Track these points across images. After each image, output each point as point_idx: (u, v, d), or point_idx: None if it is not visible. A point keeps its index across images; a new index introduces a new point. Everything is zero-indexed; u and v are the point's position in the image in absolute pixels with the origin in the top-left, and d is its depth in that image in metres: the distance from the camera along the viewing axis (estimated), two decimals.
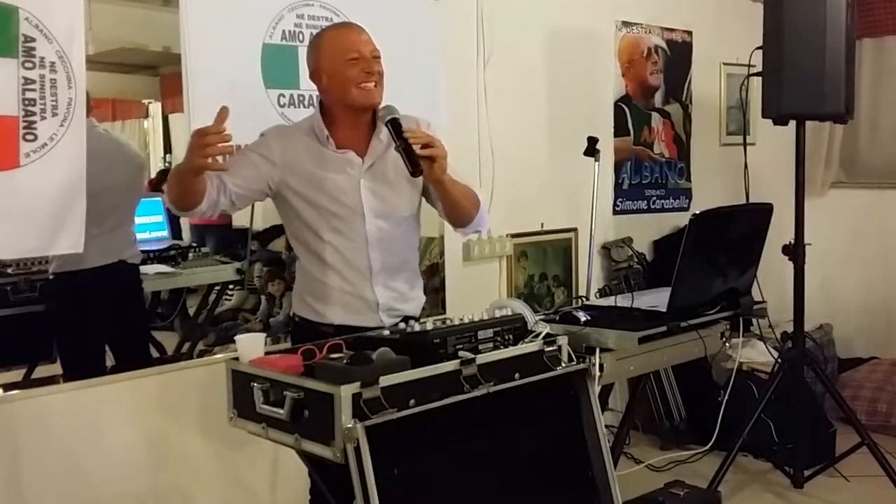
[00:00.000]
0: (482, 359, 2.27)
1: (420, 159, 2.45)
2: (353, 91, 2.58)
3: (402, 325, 2.50)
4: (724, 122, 5.62)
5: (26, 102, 2.72)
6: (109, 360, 3.46)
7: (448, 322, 2.41)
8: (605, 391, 3.39)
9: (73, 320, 3.36)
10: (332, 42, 2.64)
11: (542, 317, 2.84)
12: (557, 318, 3.08)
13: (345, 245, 2.66)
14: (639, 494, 3.38)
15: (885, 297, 5.62)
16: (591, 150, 4.13)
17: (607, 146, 4.81)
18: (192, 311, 4.02)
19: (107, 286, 3.37)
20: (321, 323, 2.69)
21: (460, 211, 2.72)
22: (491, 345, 2.38)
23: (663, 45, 5.19)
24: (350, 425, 1.98)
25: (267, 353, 2.34)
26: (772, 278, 3.99)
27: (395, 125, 2.51)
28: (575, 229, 4.68)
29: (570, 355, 2.50)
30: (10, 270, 3.34)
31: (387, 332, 2.41)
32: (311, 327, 2.69)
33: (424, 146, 2.46)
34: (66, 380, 3.22)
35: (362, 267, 2.68)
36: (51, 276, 3.33)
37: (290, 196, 2.65)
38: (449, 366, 2.20)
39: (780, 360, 4.10)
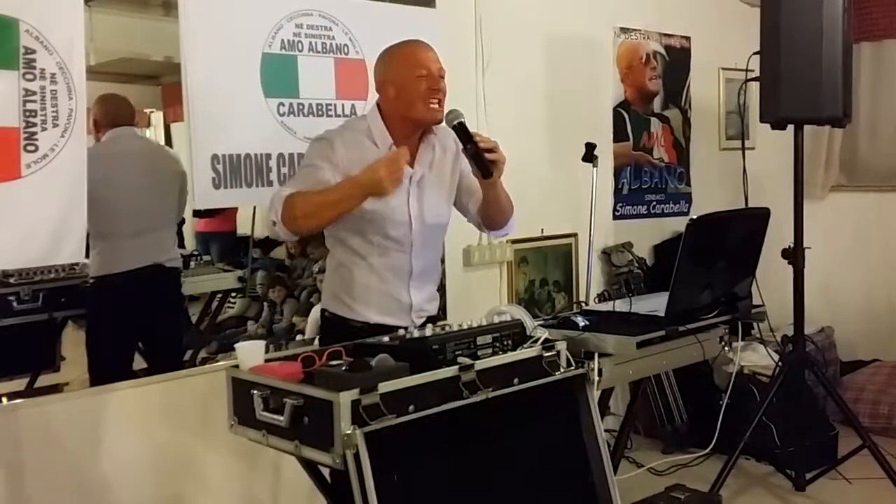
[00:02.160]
0: (481, 364, 2.28)
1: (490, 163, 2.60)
2: (420, 106, 2.68)
3: (401, 331, 2.51)
4: (723, 127, 5.64)
5: (27, 114, 2.75)
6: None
7: (447, 328, 2.43)
8: (605, 396, 3.39)
9: (107, 322, 3.39)
10: (403, 57, 2.73)
11: (540, 322, 2.86)
12: (556, 323, 3.08)
13: (391, 250, 2.76)
14: (640, 498, 3.38)
15: (887, 299, 5.62)
16: (589, 156, 4.14)
17: (607, 151, 4.83)
18: (194, 319, 4.04)
19: (141, 289, 3.41)
20: (355, 320, 2.77)
21: (503, 213, 2.92)
22: (490, 350, 2.39)
23: (662, 50, 5.21)
24: (349, 432, 1.99)
25: (267, 361, 2.36)
26: (772, 282, 3.99)
27: (463, 129, 2.63)
28: (575, 235, 4.69)
29: (568, 360, 2.51)
30: (12, 280, 3.36)
31: (386, 339, 2.42)
32: (343, 324, 2.78)
33: (490, 150, 2.62)
34: (93, 383, 3.24)
35: (403, 271, 2.79)
36: (90, 281, 3.36)
37: None
38: (448, 372, 2.22)
39: (780, 364, 4.11)
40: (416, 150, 2.77)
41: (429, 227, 2.81)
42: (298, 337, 3.93)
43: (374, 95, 3.53)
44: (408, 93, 2.68)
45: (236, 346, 2.38)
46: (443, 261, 4.11)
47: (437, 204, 2.82)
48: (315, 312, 3.91)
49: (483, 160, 2.62)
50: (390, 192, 2.54)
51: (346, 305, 2.80)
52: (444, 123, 2.73)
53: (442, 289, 4.14)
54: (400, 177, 2.53)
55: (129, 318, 3.42)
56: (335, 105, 3.54)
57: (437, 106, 2.70)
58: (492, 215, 2.91)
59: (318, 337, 3.11)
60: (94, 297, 3.39)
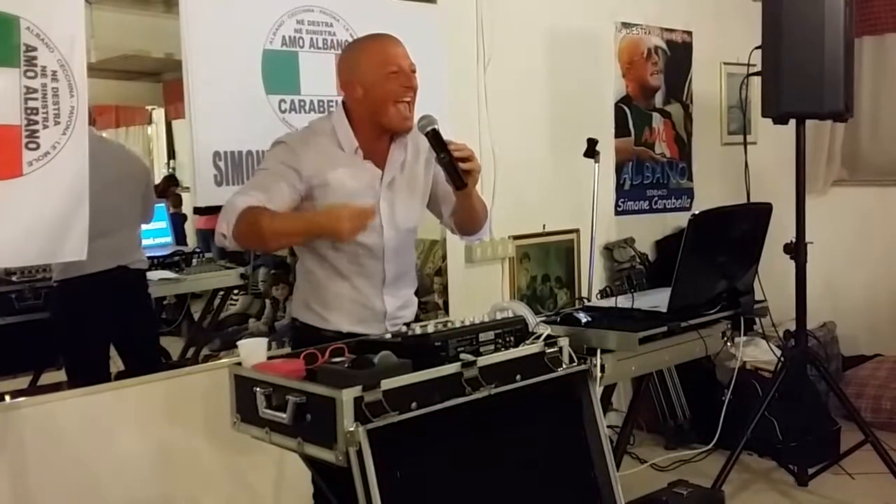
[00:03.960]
0: (483, 361, 2.28)
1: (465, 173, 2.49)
2: (391, 109, 2.55)
3: (404, 327, 2.50)
4: (725, 122, 5.63)
5: (28, 111, 2.74)
6: (116, 366, 3.49)
7: (449, 324, 2.42)
8: (608, 391, 3.40)
9: (73, 326, 3.37)
10: (371, 54, 2.59)
11: (543, 318, 2.85)
12: (558, 319, 3.09)
13: (361, 256, 2.65)
14: (643, 494, 3.39)
15: (889, 294, 5.61)
16: (591, 151, 4.14)
17: (608, 147, 4.82)
18: (196, 317, 4.04)
19: (106, 292, 3.38)
20: (327, 330, 2.67)
21: (476, 221, 2.78)
22: (492, 347, 2.38)
23: (663, 45, 5.20)
24: (352, 429, 1.99)
25: (270, 358, 2.36)
26: (775, 277, 3.99)
27: (437, 137, 2.50)
28: (577, 230, 4.68)
29: (571, 356, 2.51)
30: (14, 278, 3.36)
31: (388, 336, 2.42)
32: (314, 333, 2.68)
33: (464, 160, 2.49)
34: (70, 386, 3.24)
35: (376, 278, 2.69)
36: (54, 284, 3.35)
37: (308, 206, 2.59)
38: (450, 368, 2.21)
39: (783, 359, 4.10)
40: (386, 150, 2.66)
41: (399, 231, 2.69)
42: None
43: None
44: (379, 92, 2.54)
45: (239, 343, 2.38)
46: (444, 257, 4.13)
47: (409, 207, 2.71)
48: None
49: (457, 171, 2.47)
50: (346, 241, 2.47)
51: (318, 314, 2.70)
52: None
53: (444, 285, 4.15)
54: (361, 231, 2.41)
55: (96, 321, 3.39)
56: (336, 101, 3.53)
57: (407, 111, 2.57)
58: (464, 222, 2.79)
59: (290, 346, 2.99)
60: (58, 301, 3.38)
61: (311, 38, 3.45)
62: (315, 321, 2.71)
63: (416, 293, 2.90)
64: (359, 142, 2.62)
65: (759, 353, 4.68)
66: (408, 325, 2.59)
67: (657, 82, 5.18)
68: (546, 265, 4.61)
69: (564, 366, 2.47)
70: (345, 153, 2.61)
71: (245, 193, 2.49)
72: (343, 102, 2.67)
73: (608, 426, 2.81)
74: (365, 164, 2.63)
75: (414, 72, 2.61)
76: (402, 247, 2.73)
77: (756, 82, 4.15)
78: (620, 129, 4.99)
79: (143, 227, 3.71)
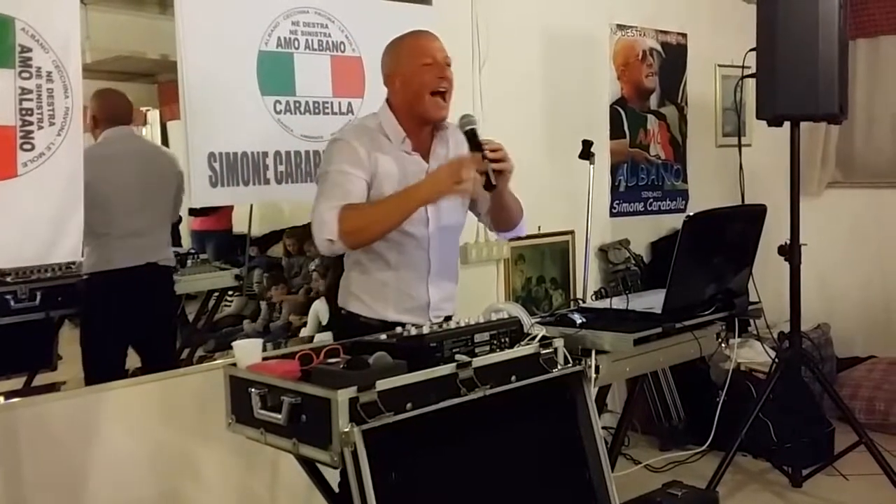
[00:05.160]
0: (478, 362, 2.28)
1: (496, 173, 2.57)
2: (427, 99, 2.66)
3: (399, 329, 2.51)
4: (720, 124, 5.64)
5: (23, 112, 2.74)
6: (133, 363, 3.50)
7: (444, 325, 2.42)
8: (603, 393, 3.40)
9: (98, 319, 3.39)
10: (408, 47, 2.72)
11: (538, 320, 2.85)
12: (553, 320, 3.09)
13: (409, 247, 2.73)
14: (637, 495, 3.38)
15: (883, 295, 5.63)
16: (586, 153, 4.14)
17: (603, 149, 4.83)
18: (191, 318, 4.04)
19: (133, 288, 3.41)
20: (372, 318, 2.74)
21: (511, 218, 2.88)
22: (487, 348, 2.39)
23: (658, 47, 5.21)
24: (347, 429, 1.99)
25: (265, 359, 2.36)
26: (769, 279, 4.00)
27: (474, 136, 2.59)
28: (572, 232, 4.69)
29: (566, 357, 2.51)
30: (9, 279, 3.36)
31: (383, 337, 2.42)
32: (359, 322, 2.75)
33: (498, 160, 2.58)
34: (87, 382, 3.25)
35: (421, 268, 2.77)
36: (84, 277, 3.37)
37: (367, 197, 2.68)
38: (445, 369, 2.22)
39: (777, 360, 4.11)
40: (429, 143, 2.76)
41: (443, 224, 2.78)
42: (303, 332, 3.93)
43: (370, 93, 3.57)
44: (413, 83, 2.66)
45: (234, 344, 2.38)
46: None
47: (452, 202, 2.77)
48: (314, 310, 3.92)
49: (488, 173, 2.55)
50: (457, 187, 2.51)
51: (364, 303, 2.77)
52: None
53: None
54: (466, 187, 2.49)
55: (122, 316, 3.42)
56: (332, 103, 3.54)
57: (443, 101, 2.68)
58: (499, 219, 2.90)
59: (332, 334, 3.01)
60: (87, 295, 3.40)
61: (307, 40, 3.45)
62: (361, 310, 2.78)
63: None
64: (405, 133, 2.71)
65: (754, 355, 4.68)
66: (403, 325, 2.59)
67: (652, 84, 5.19)
68: (541, 266, 4.61)
69: (559, 367, 2.48)
70: (392, 144, 2.70)
71: (327, 199, 2.58)
72: (387, 98, 2.77)
73: (603, 427, 2.81)
74: (413, 156, 2.72)
75: (449, 64, 2.71)
76: (447, 239, 2.83)
77: (751, 84, 4.16)
78: (615, 131, 5.00)
79: None
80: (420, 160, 2.73)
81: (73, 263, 3.27)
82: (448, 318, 2.70)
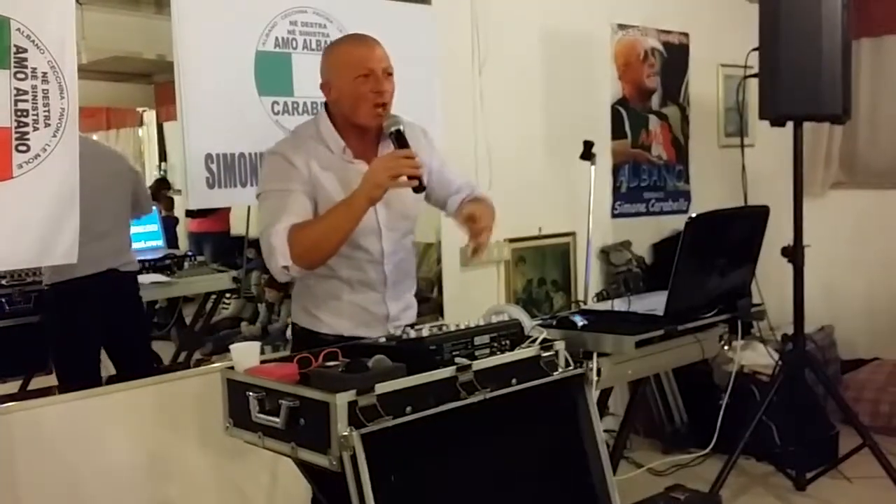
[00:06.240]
0: (478, 365, 2.26)
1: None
2: (363, 110, 2.54)
3: (398, 331, 2.48)
4: (722, 124, 5.62)
5: (18, 113, 2.72)
6: (106, 371, 3.46)
7: (444, 328, 2.39)
8: (604, 395, 3.38)
9: (64, 330, 3.35)
10: (343, 56, 2.58)
11: (538, 322, 2.83)
12: (554, 323, 3.06)
13: (362, 262, 2.63)
14: (640, 499, 3.37)
15: (888, 297, 5.59)
16: (587, 153, 4.12)
17: (605, 149, 4.81)
18: (188, 321, 4.02)
19: (97, 295, 3.36)
20: (327, 334, 2.65)
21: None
22: (487, 351, 2.36)
23: (660, 47, 5.19)
24: (346, 433, 1.97)
25: (263, 362, 2.33)
26: (772, 280, 3.97)
27: (400, 137, 2.51)
28: (573, 233, 4.67)
29: (567, 360, 2.49)
30: (4, 282, 3.34)
31: (383, 340, 2.39)
32: (314, 337, 2.66)
33: (477, 234, 2.56)
34: (61, 390, 3.21)
35: (377, 281, 2.67)
36: (45, 287, 3.32)
37: (313, 210, 2.57)
38: (445, 372, 2.19)
39: (780, 363, 4.09)
40: (375, 149, 2.63)
41: (397, 232, 2.67)
42: None
43: None
44: (351, 95, 2.53)
45: (231, 347, 2.34)
46: (439, 260, 4.11)
47: (402, 206, 2.66)
48: None
49: (420, 177, 2.48)
50: (386, 181, 2.41)
51: (317, 318, 2.67)
52: (408, 118, 2.60)
53: (439, 288, 4.12)
54: (404, 163, 2.41)
55: (87, 324, 3.37)
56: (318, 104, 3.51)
57: (382, 109, 2.54)
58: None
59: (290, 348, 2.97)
60: (49, 305, 3.36)
61: (305, 40, 3.43)
62: (315, 325, 2.69)
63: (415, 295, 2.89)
64: (345, 141, 2.60)
65: (757, 357, 4.65)
66: (402, 328, 2.56)
67: (654, 84, 5.17)
68: (542, 268, 4.58)
69: (560, 369, 2.46)
70: (334, 154, 2.59)
71: (272, 225, 2.46)
72: (325, 104, 2.66)
73: (604, 430, 2.78)
74: (356, 164, 2.59)
75: (390, 74, 2.58)
76: (400, 246, 2.71)
77: (753, 84, 4.14)
78: (617, 132, 4.97)
79: (134, 230, 3.68)
80: (364, 167, 2.54)
81: (37, 271, 3.25)
82: (402, 329, 2.55)
